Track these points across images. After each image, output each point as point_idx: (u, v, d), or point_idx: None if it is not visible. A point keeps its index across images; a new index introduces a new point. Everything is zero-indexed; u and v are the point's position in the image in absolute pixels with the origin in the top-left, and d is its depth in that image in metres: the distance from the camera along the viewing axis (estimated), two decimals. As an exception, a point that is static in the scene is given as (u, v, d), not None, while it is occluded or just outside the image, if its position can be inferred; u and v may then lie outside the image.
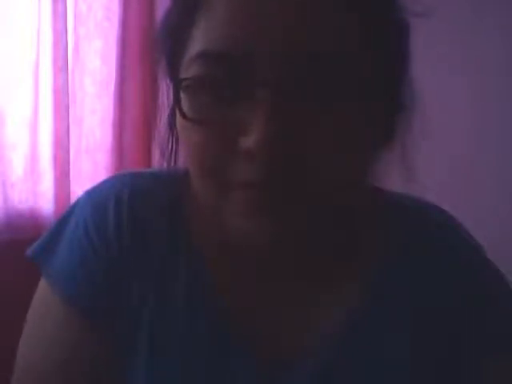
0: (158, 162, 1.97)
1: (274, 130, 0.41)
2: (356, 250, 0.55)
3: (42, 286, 0.55)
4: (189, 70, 0.45)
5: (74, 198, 1.84)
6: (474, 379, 0.53)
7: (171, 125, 0.52)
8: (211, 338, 0.52)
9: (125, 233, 0.54)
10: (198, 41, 0.45)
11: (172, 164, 0.54)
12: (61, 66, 1.79)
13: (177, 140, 0.52)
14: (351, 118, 0.43)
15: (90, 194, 0.57)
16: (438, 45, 1.53)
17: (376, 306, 0.53)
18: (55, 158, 1.80)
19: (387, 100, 0.48)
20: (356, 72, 0.43)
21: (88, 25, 1.89)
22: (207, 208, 0.49)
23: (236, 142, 0.43)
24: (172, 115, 0.51)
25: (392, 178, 0.52)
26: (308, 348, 0.52)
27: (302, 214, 0.45)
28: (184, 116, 0.45)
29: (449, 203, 0.62)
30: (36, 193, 1.80)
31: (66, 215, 0.57)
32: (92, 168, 1.93)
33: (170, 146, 0.53)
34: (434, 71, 1.49)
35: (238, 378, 0.51)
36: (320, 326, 0.53)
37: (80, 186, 1.89)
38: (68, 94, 1.82)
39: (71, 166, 1.86)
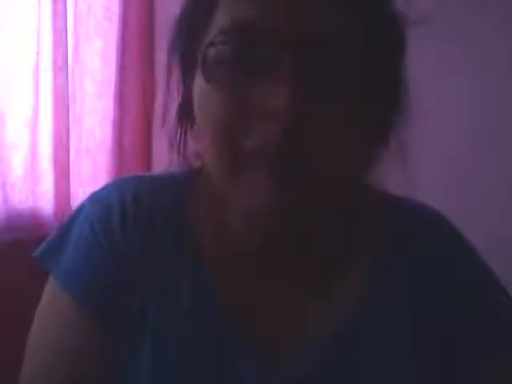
0: (158, 162, 1.97)
1: (300, 96, 0.42)
2: (355, 250, 0.55)
3: (50, 287, 0.55)
4: (214, 40, 0.46)
5: (74, 198, 1.84)
6: (474, 379, 0.53)
7: (180, 116, 0.53)
8: (211, 338, 0.52)
9: (129, 233, 0.54)
10: (223, 14, 0.46)
11: (180, 155, 0.54)
12: (61, 65, 1.78)
13: (185, 132, 0.53)
14: (351, 118, 0.44)
15: (95, 196, 0.57)
16: (438, 45, 1.53)
17: (376, 306, 0.53)
18: (55, 158, 1.80)
19: (386, 100, 0.48)
20: (358, 71, 0.43)
21: (88, 25, 1.89)
22: (217, 187, 0.49)
23: (256, 102, 0.44)
24: (182, 106, 0.52)
25: (391, 178, 0.52)
26: (308, 347, 0.52)
27: (302, 213, 0.45)
28: (207, 79, 0.46)
29: (448, 203, 0.62)
30: (36, 193, 1.80)
31: (72, 217, 0.57)
32: (92, 168, 1.93)
33: (178, 138, 0.54)
34: (434, 71, 1.49)
35: (239, 377, 0.52)
36: (320, 325, 0.53)
37: (80, 186, 1.89)
38: (68, 93, 1.82)
39: (71, 166, 1.86)
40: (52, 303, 0.55)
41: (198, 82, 0.48)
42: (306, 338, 0.53)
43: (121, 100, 1.95)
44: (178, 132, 0.54)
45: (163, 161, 0.58)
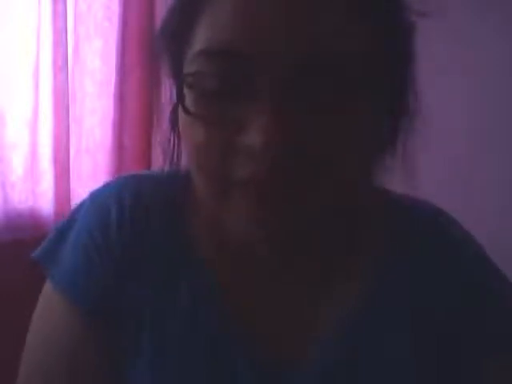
0: (158, 162, 1.97)
1: (276, 128, 0.41)
2: (355, 250, 0.55)
3: (47, 287, 0.55)
4: (192, 66, 0.45)
5: (74, 198, 1.84)
6: (474, 379, 0.53)
7: (173, 123, 0.52)
8: (211, 338, 0.52)
9: (127, 234, 0.54)
10: (201, 38, 0.45)
11: (174, 162, 0.54)
12: (61, 65, 1.78)
13: (179, 138, 0.52)
14: (353, 118, 0.43)
15: (93, 196, 0.57)
16: (438, 45, 1.53)
17: (376, 306, 0.53)
18: (55, 158, 1.80)
19: (391, 101, 0.47)
20: (358, 73, 0.43)
21: (88, 25, 1.88)
22: (207, 207, 0.49)
23: (238, 139, 0.43)
24: (174, 113, 0.51)
25: (392, 178, 0.52)
26: (308, 348, 0.52)
27: (302, 213, 0.45)
28: (187, 111, 0.45)
29: (448, 203, 0.62)
30: (36, 193, 1.80)
31: (70, 218, 0.57)
32: (92, 168, 1.93)
33: (172, 145, 0.53)
34: (435, 71, 1.49)
35: (239, 378, 0.51)
36: (320, 325, 0.53)
37: (80, 185, 1.89)
38: (68, 94, 1.82)
39: (71, 166, 1.86)
40: (49, 304, 0.55)
41: (180, 109, 0.47)
42: (306, 338, 0.53)
43: (121, 100, 1.95)
44: (172, 137, 0.52)
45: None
